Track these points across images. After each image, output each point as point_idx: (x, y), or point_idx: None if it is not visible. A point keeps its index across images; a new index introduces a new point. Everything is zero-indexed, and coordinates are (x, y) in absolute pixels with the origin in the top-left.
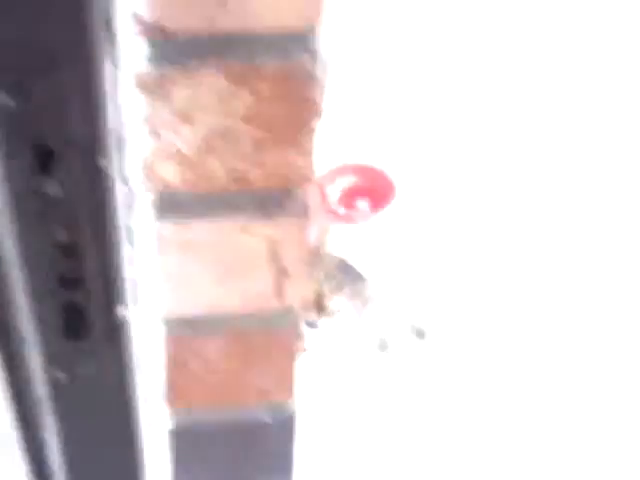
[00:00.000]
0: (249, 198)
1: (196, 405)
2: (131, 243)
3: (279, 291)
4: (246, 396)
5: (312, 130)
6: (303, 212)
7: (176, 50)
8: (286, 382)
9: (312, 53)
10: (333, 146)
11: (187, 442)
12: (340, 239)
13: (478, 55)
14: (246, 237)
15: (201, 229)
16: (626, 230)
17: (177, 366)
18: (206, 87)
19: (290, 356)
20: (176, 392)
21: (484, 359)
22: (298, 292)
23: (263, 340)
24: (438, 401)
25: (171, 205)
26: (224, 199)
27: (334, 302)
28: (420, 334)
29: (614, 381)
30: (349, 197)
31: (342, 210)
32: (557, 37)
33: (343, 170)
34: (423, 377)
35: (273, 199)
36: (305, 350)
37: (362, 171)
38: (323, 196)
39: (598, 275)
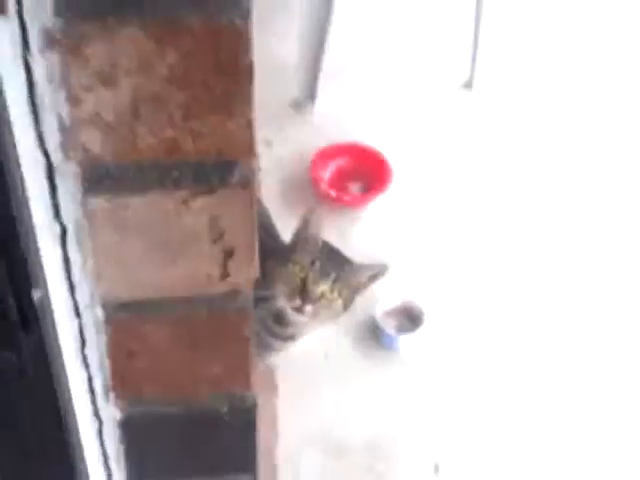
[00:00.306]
0: (187, 171)
1: (145, 395)
2: (58, 220)
3: (224, 272)
4: (198, 386)
5: (246, 95)
6: (246, 186)
7: (89, 3)
8: (241, 371)
9: (242, 9)
10: (326, 123)
11: (137, 434)
12: (330, 222)
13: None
14: (186, 214)
15: (137, 205)
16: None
17: (121, 354)
18: (126, 46)
19: (243, 342)
20: (122, 382)
21: (480, 347)
22: (245, 273)
23: (211, 325)
24: (436, 386)
25: (101, 178)
26: (159, 172)
27: (319, 288)
28: (415, 321)
29: (612, 366)
30: (341, 179)
31: (333, 192)
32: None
33: (336, 150)
34: (418, 363)
35: (213, 172)
36: (293, 338)
37: (356, 151)
38: (314, 177)
39: (596, 257)
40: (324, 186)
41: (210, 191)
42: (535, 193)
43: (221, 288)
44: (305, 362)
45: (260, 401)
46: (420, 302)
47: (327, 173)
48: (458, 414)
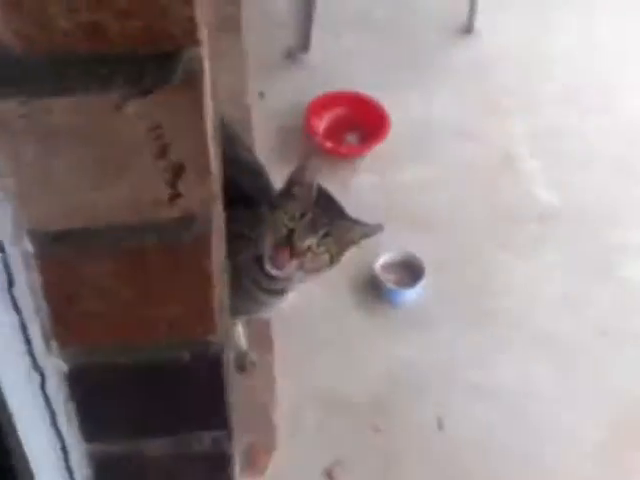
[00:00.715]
0: (116, 66)
1: (93, 343)
2: None
3: (174, 193)
4: (154, 330)
5: None
6: (192, 84)
7: None
8: (204, 312)
9: None
10: (321, 73)
11: (88, 389)
12: (326, 174)
13: None
14: (121, 121)
15: (61, 110)
16: None
17: (59, 295)
18: None
19: (204, 278)
20: (64, 328)
21: (482, 300)
22: (199, 193)
23: (164, 258)
24: (438, 340)
25: (8, 74)
26: (82, 65)
27: (305, 242)
28: (416, 274)
29: None
30: (337, 129)
31: (329, 143)
32: None
33: (331, 100)
34: (420, 317)
35: (149, 66)
36: (283, 293)
37: (352, 101)
38: (309, 128)
39: None
40: (320, 137)
41: (146, 91)
42: (536, 141)
43: (172, 212)
44: (305, 318)
45: (256, 359)
46: (421, 255)
47: (323, 124)
48: (461, 368)
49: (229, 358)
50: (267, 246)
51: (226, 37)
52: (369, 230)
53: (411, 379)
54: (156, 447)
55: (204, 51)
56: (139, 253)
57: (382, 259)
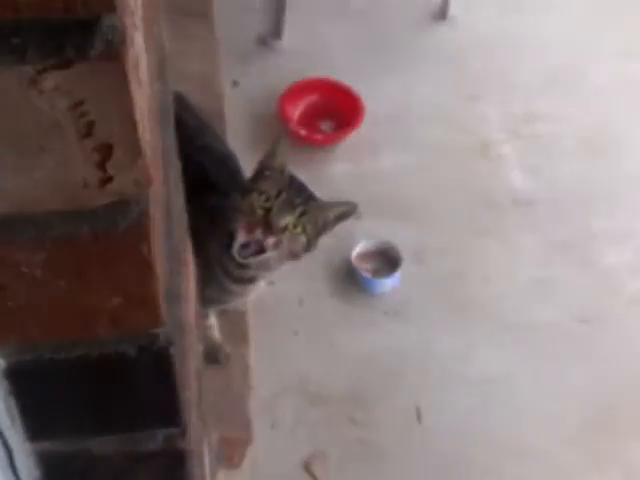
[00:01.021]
0: (29, 36)
1: (30, 339)
2: None
3: (104, 176)
4: (95, 324)
5: None
6: (114, 56)
7: None
8: (147, 303)
9: None
10: (294, 59)
11: (30, 386)
12: (301, 162)
13: None
14: (39, 97)
15: None
16: None
17: None
18: None
19: (143, 267)
20: None
21: (461, 289)
22: (130, 176)
23: (99, 246)
24: (416, 330)
25: None
26: None
27: (283, 220)
28: (393, 263)
29: None
30: (312, 117)
31: (303, 131)
32: None
33: (305, 87)
34: (397, 307)
35: (65, 36)
36: (253, 281)
37: (327, 88)
38: (283, 116)
39: None
40: (294, 125)
41: (64, 64)
42: (512, 127)
43: (104, 197)
44: (279, 308)
45: (231, 351)
46: (398, 243)
47: (297, 111)
48: (439, 357)
49: (184, 352)
50: (239, 233)
51: (197, 23)
52: (344, 208)
53: (389, 369)
54: (105, 445)
55: (129, 20)
56: (71, 241)
57: (358, 248)
